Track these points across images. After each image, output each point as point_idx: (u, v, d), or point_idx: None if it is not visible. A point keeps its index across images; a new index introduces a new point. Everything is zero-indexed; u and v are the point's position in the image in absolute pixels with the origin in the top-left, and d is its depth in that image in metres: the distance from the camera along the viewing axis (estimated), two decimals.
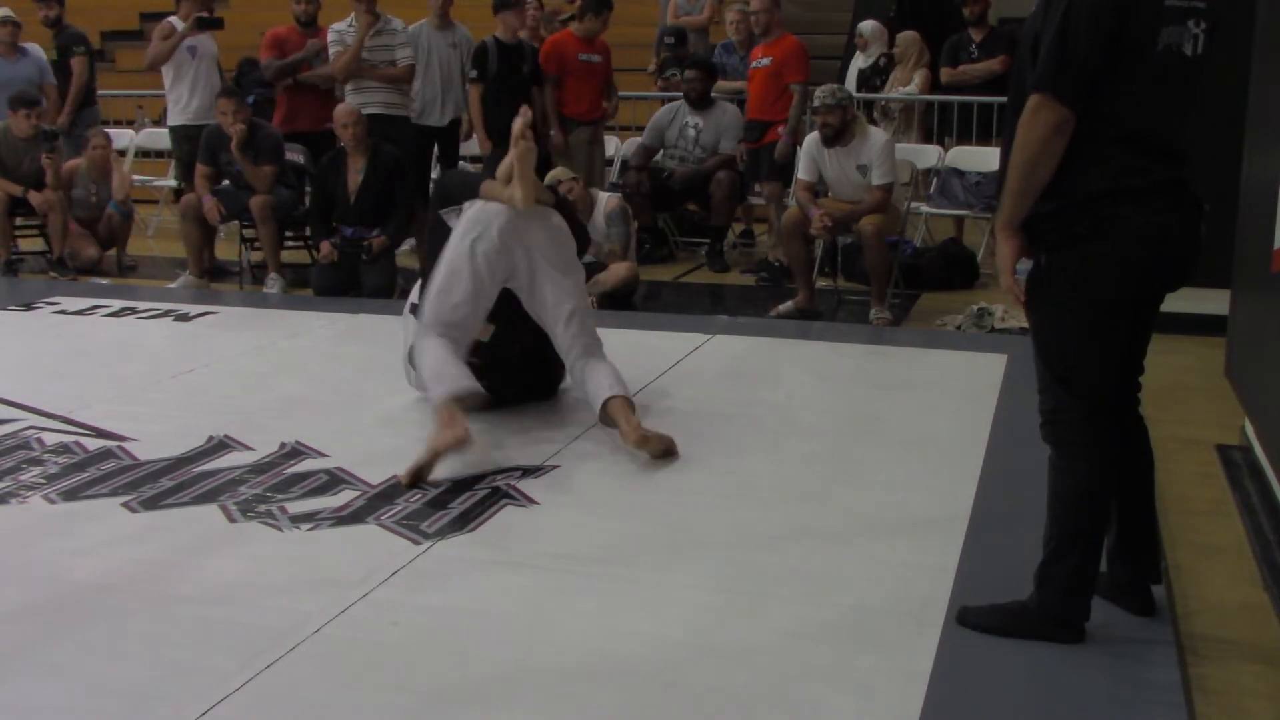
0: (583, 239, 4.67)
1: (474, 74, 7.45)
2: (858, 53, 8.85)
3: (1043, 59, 2.49)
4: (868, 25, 8.85)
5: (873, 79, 8.63)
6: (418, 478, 3.73)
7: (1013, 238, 2.61)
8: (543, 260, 4.22)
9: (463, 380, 3.95)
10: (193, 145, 7.38)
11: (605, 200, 6.86)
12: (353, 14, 7.24)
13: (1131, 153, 2.53)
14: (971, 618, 2.79)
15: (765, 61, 7.48)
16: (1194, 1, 2.51)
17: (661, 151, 8.06)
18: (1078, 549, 2.66)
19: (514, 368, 4.43)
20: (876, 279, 6.21)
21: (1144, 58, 2.49)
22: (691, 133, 7.87)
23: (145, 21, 12.65)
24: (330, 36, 7.35)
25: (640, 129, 8.52)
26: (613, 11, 7.82)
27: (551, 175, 6.78)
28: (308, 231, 7.25)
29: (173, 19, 7.51)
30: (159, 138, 9.08)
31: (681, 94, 8.14)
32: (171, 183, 8.53)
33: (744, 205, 8.33)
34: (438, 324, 4.11)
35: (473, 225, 4.19)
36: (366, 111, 6.99)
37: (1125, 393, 2.77)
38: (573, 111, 7.74)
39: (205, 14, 7.50)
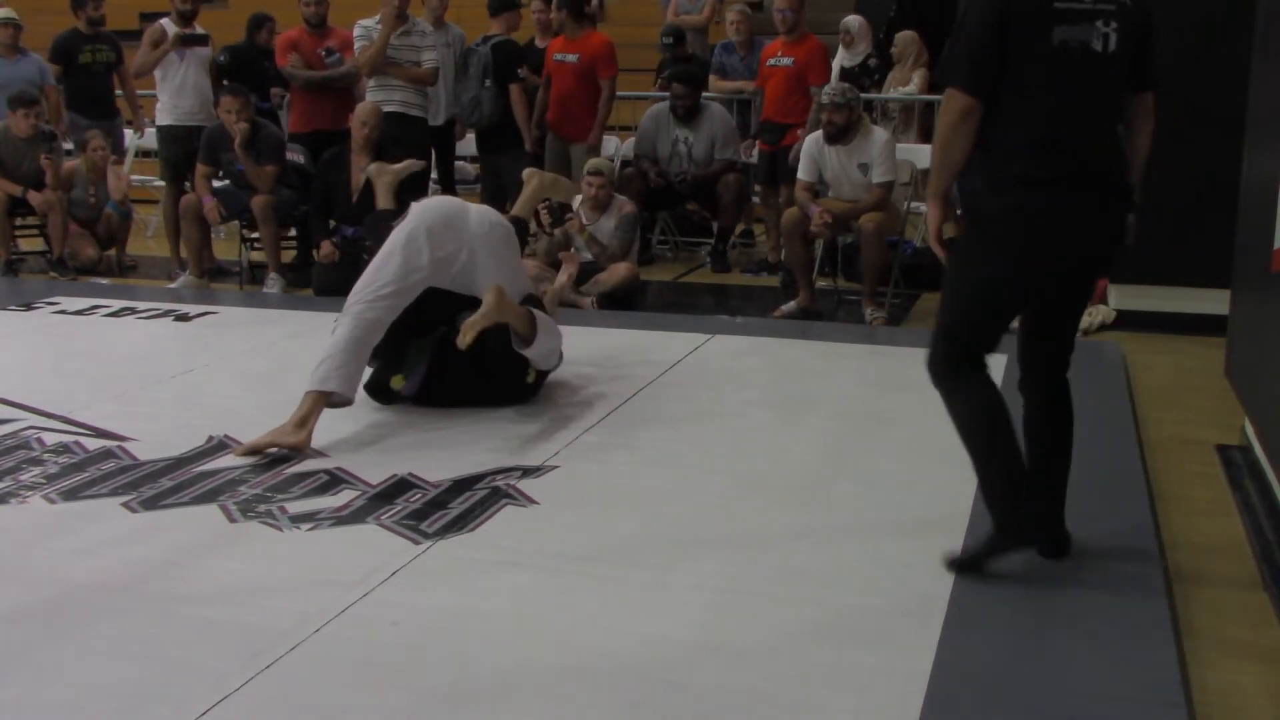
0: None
1: (521, 74, 7.37)
2: (840, 49, 8.45)
3: (946, 52, 2.82)
4: (855, 21, 8.52)
5: (861, 78, 8.46)
6: (252, 453, 3.94)
7: (938, 205, 2.94)
8: (482, 250, 4.38)
9: (330, 381, 4.07)
10: (179, 146, 7.37)
11: (620, 204, 6.85)
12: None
13: (1039, 143, 2.80)
14: (963, 560, 3.06)
15: (787, 61, 7.32)
16: (1101, 4, 2.76)
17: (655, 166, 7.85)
18: (992, 470, 2.97)
19: (470, 368, 4.35)
20: (870, 277, 6.21)
21: (1038, 53, 2.75)
22: (683, 148, 7.73)
23: (145, 21, 12.58)
24: (357, 31, 7.38)
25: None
26: (593, 4, 7.68)
27: (592, 164, 6.78)
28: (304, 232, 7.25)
29: (164, 21, 7.43)
30: None
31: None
32: None
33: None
34: (358, 303, 4.21)
35: (412, 217, 4.38)
36: (386, 109, 6.98)
37: (1044, 363, 3.10)
38: (554, 117, 7.63)
39: (190, 30, 7.43)
